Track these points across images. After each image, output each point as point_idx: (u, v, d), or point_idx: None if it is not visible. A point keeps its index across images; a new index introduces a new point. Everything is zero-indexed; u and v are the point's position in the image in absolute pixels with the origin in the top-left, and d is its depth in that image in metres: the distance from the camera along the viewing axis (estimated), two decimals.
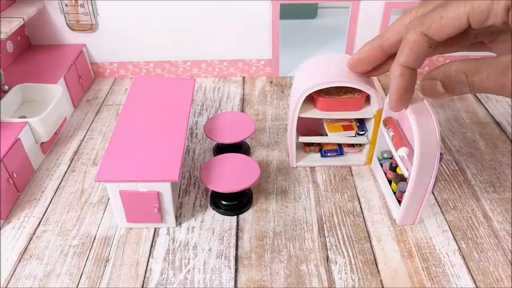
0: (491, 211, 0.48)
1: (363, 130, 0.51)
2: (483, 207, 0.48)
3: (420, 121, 0.40)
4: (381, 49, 0.41)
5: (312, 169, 0.54)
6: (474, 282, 0.40)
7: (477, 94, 0.68)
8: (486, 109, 0.64)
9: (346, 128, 0.51)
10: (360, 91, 0.48)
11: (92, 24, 0.69)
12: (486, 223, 0.46)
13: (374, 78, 0.73)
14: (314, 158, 0.54)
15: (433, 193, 0.50)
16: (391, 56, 0.41)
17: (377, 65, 0.43)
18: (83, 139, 0.60)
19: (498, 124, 0.61)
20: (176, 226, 0.47)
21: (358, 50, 0.44)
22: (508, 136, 0.59)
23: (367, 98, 0.49)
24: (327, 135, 0.51)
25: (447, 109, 0.65)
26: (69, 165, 0.55)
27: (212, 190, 0.49)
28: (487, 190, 0.50)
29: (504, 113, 0.64)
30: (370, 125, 0.51)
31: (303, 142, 0.54)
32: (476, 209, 0.48)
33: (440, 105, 0.65)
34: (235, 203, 0.48)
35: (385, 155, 0.51)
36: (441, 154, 0.41)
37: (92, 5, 0.67)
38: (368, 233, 0.45)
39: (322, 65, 0.49)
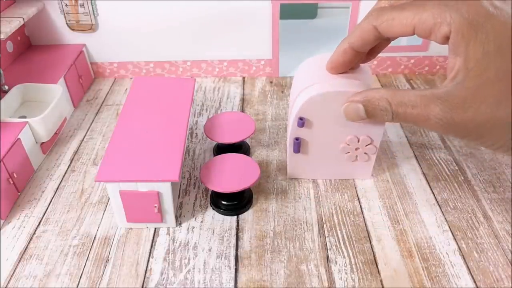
0: (491, 211, 0.48)
1: None
2: (483, 207, 0.48)
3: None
4: (351, 49, 0.41)
5: None
6: (474, 282, 0.40)
7: None
8: None
9: None
10: None
11: (92, 24, 0.69)
12: (486, 223, 0.46)
13: (375, 78, 0.73)
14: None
15: (433, 192, 0.50)
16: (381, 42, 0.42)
17: (370, 50, 0.43)
18: (83, 139, 0.60)
19: None
20: (176, 226, 0.47)
21: (333, 53, 0.44)
22: None
23: None
24: None
25: None
26: (69, 165, 0.55)
27: (212, 190, 0.49)
28: (487, 190, 0.50)
29: None
30: None
31: None
32: (476, 209, 0.48)
33: None
34: (235, 203, 0.48)
35: None
36: (301, 118, 0.45)
37: (92, 5, 0.67)
38: (368, 233, 0.45)
39: (322, 66, 0.49)
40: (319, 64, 0.49)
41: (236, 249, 0.44)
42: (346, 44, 0.41)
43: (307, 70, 0.49)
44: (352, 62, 0.43)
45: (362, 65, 0.48)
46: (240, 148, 0.56)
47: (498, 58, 0.31)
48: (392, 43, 0.70)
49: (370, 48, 0.42)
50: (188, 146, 0.58)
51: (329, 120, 0.46)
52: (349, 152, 0.49)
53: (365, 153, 0.49)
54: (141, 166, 0.44)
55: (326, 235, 0.45)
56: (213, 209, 0.48)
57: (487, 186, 0.51)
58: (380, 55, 0.72)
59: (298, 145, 0.48)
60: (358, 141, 0.48)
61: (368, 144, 0.48)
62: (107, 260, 0.43)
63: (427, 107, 0.34)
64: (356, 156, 0.49)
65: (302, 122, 0.46)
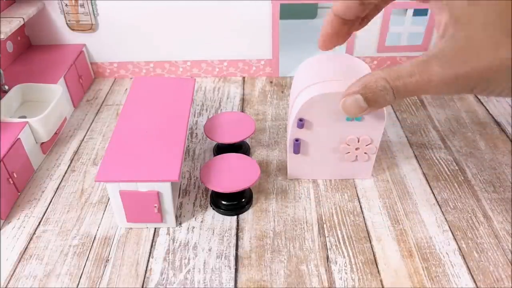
0: (491, 211, 0.48)
1: None
2: (483, 207, 0.48)
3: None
4: (337, 17, 0.40)
5: None
6: (474, 282, 0.40)
7: (478, 95, 0.68)
8: (486, 109, 0.64)
9: None
10: None
11: (92, 24, 0.69)
12: (486, 223, 0.46)
13: None
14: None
15: (433, 192, 0.50)
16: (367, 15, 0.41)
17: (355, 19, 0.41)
18: (83, 139, 0.60)
19: (498, 124, 0.61)
20: (176, 226, 0.47)
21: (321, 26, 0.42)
22: (508, 136, 0.59)
23: None
24: None
25: (447, 109, 0.65)
26: (69, 165, 0.55)
27: (212, 190, 0.49)
28: (487, 190, 0.50)
29: (504, 113, 0.63)
30: None
31: None
32: (476, 209, 0.48)
33: (440, 105, 0.65)
34: (235, 203, 0.48)
35: None
36: (301, 119, 0.45)
37: (92, 5, 0.67)
38: (368, 233, 0.45)
39: (322, 66, 0.49)
40: (319, 64, 0.49)
41: (236, 249, 0.44)
42: (331, 13, 0.40)
43: (307, 71, 0.49)
44: (341, 32, 0.41)
45: (362, 66, 0.48)
46: (240, 148, 0.56)
47: (485, 1, 0.29)
48: (393, 43, 0.71)
49: (362, 17, 0.40)
50: (188, 146, 0.58)
51: (329, 120, 0.46)
52: (349, 152, 0.49)
53: (365, 153, 0.49)
54: (141, 166, 0.44)
55: (326, 235, 0.45)
56: (213, 209, 0.48)
57: (487, 186, 0.51)
58: (380, 55, 0.72)
59: (298, 146, 0.48)
60: (358, 141, 0.48)
61: (368, 144, 0.48)
62: (107, 260, 0.43)
63: (426, 71, 0.32)
64: (356, 156, 0.49)
65: (301, 123, 0.46)
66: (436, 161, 0.55)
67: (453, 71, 0.31)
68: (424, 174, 0.53)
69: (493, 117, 0.63)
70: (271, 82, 0.73)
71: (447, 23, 0.31)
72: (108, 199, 0.50)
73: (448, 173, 0.53)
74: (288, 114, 0.54)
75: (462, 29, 0.31)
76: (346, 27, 0.41)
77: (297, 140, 0.48)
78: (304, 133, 0.48)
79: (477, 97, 0.67)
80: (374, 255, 0.43)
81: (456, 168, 0.54)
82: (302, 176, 0.52)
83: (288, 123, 0.50)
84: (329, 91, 0.44)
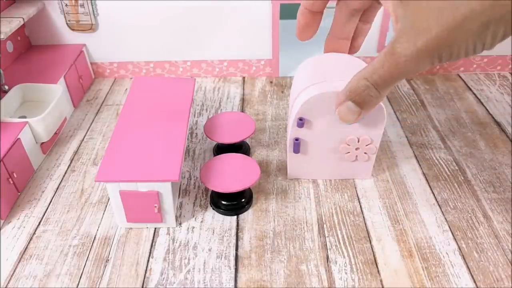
0: (491, 211, 0.48)
1: None
2: (483, 207, 0.48)
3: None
4: (308, 11, 0.45)
5: None
6: (474, 282, 0.40)
7: (477, 95, 0.68)
8: (486, 109, 0.64)
9: None
10: None
11: (92, 24, 0.69)
12: (486, 223, 0.46)
13: None
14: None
15: (433, 192, 0.50)
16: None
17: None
18: (83, 139, 0.60)
19: (498, 124, 0.61)
20: (176, 226, 0.47)
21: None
22: (508, 136, 0.59)
23: None
24: None
25: (447, 109, 0.65)
26: (69, 165, 0.55)
27: (212, 190, 0.49)
28: (487, 190, 0.50)
29: (504, 113, 0.63)
30: None
31: None
32: (476, 209, 0.48)
33: (440, 105, 0.65)
34: (235, 203, 0.48)
35: None
36: (301, 119, 0.46)
37: (92, 5, 0.67)
38: (368, 233, 0.45)
39: (322, 66, 0.49)
40: (319, 64, 0.49)
41: (236, 249, 0.44)
42: (301, 5, 0.45)
43: (307, 70, 0.49)
44: (312, 22, 0.46)
45: (362, 65, 0.48)
46: (240, 148, 0.56)
47: None
48: None
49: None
50: (188, 146, 0.58)
51: (329, 120, 0.46)
52: (349, 152, 0.49)
53: (365, 153, 0.49)
54: (141, 166, 0.44)
55: (326, 235, 0.45)
56: (213, 209, 0.48)
57: (487, 186, 0.51)
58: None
59: (298, 145, 0.48)
60: (358, 141, 0.48)
61: (368, 144, 0.48)
62: (107, 260, 0.43)
63: (392, 56, 0.33)
64: (356, 156, 0.49)
65: (301, 122, 0.46)
66: (436, 161, 0.55)
67: (413, 47, 0.31)
68: (424, 174, 0.53)
69: (493, 117, 0.63)
70: (271, 82, 0.73)
71: (395, 9, 0.32)
72: (108, 199, 0.50)
73: (448, 173, 0.53)
74: (288, 114, 0.54)
75: (408, 7, 0.32)
76: (317, 18, 0.45)
77: (297, 139, 0.48)
78: (304, 132, 0.48)
79: (477, 97, 0.67)
80: (374, 255, 0.43)
81: (456, 168, 0.54)
82: (302, 176, 0.52)
83: (288, 122, 0.50)
84: (329, 90, 0.44)
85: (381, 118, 0.46)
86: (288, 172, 0.52)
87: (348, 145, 0.48)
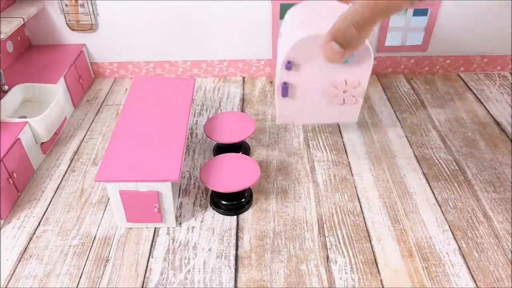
0: (491, 210, 0.48)
1: None
2: (483, 206, 0.48)
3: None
4: None
5: (312, 168, 0.54)
6: (474, 281, 0.40)
7: (478, 95, 0.68)
8: (487, 109, 0.64)
9: None
10: None
11: (92, 24, 0.69)
12: (486, 222, 0.46)
13: (374, 78, 0.73)
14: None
15: (433, 192, 0.50)
16: None
17: None
18: (83, 139, 0.60)
19: (498, 124, 0.61)
20: (176, 226, 0.47)
21: None
22: (508, 136, 0.59)
23: None
24: None
25: (447, 109, 0.65)
26: (69, 165, 0.55)
27: (212, 190, 0.49)
28: (487, 190, 0.50)
29: (504, 113, 0.63)
30: None
31: None
32: (476, 208, 0.48)
33: (440, 105, 0.65)
34: (235, 203, 0.48)
35: None
36: (289, 62, 0.45)
37: (92, 5, 0.67)
38: (368, 233, 0.45)
39: (310, 10, 0.49)
40: (308, 8, 0.50)
41: (236, 249, 0.44)
42: None
43: (296, 15, 0.49)
44: None
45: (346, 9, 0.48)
46: (240, 148, 0.56)
47: None
48: (392, 43, 0.71)
49: None
50: (188, 146, 0.58)
51: (317, 63, 0.46)
52: (337, 96, 0.49)
53: (352, 96, 0.49)
54: (141, 166, 0.44)
55: (326, 235, 0.45)
56: (213, 209, 0.48)
57: (487, 186, 0.51)
58: (380, 55, 0.72)
59: (286, 89, 0.49)
60: (346, 83, 0.48)
61: (356, 87, 0.48)
62: (107, 260, 0.43)
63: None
64: (344, 99, 0.49)
65: (290, 65, 0.47)
66: (436, 161, 0.55)
67: None
68: (424, 174, 0.53)
69: (493, 117, 0.63)
70: (271, 82, 0.73)
71: None
72: (108, 199, 0.50)
73: (448, 173, 0.53)
74: (276, 58, 0.54)
75: None
76: None
77: (285, 83, 0.48)
78: (292, 76, 0.48)
79: (477, 97, 0.67)
80: (374, 255, 0.43)
81: (456, 168, 0.54)
82: (290, 120, 0.52)
83: (277, 66, 0.50)
84: (316, 33, 0.44)
85: (368, 59, 0.46)
86: (277, 117, 0.51)
87: (336, 88, 0.49)
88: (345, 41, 0.40)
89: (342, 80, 0.48)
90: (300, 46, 0.45)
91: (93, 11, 0.67)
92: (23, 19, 0.62)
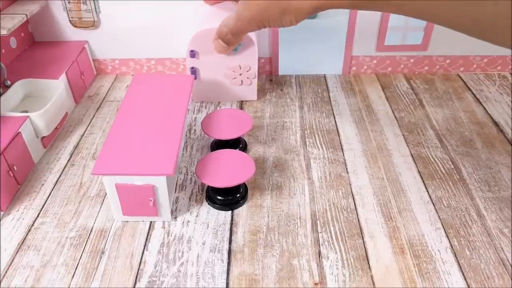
0: (485, 209, 0.48)
1: None
2: (477, 205, 0.48)
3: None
4: None
5: (308, 165, 0.54)
6: (465, 279, 0.41)
7: (477, 95, 0.68)
8: (485, 109, 0.64)
9: None
10: None
11: (94, 21, 0.70)
12: (479, 221, 0.46)
13: (374, 77, 0.73)
14: None
15: (427, 190, 0.50)
16: None
17: None
18: (83, 134, 0.61)
19: (496, 124, 0.61)
20: (172, 220, 0.47)
21: None
22: (506, 136, 0.59)
23: None
24: None
25: (445, 109, 0.65)
26: (69, 159, 0.56)
27: (208, 185, 0.50)
28: (482, 189, 0.50)
29: (503, 113, 0.63)
30: None
31: None
32: (470, 207, 0.48)
33: (439, 105, 0.66)
34: (230, 198, 0.48)
35: None
36: (192, 51, 0.60)
37: (94, 3, 0.68)
38: (361, 230, 0.46)
39: (207, 9, 0.65)
40: (207, 7, 0.64)
41: (229, 243, 0.45)
42: None
43: (206, 8, 0.64)
44: None
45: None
46: (237, 144, 0.56)
47: None
48: (392, 43, 0.71)
49: None
50: (186, 142, 0.59)
51: (213, 51, 0.58)
52: (235, 78, 0.63)
53: (247, 78, 0.63)
54: (137, 160, 0.44)
55: (319, 231, 0.46)
56: (208, 204, 0.49)
57: (482, 185, 0.51)
58: (379, 54, 0.73)
59: (195, 72, 0.63)
60: (240, 68, 0.62)
61: (248, 70, 0.62)
62: (103, 252, 0.44)
63: (239, 15, 0.49)
64: (242, 80, 0.63)
65: (193, 53, 0.60)
66: (432, 159, 0.55)
67: (247, 14, 0.47)
68: (419, 172, 0.53)
69: (491, 117, 0.63)
70: (270, 80, 0.73)
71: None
72: (106, 193, 0.50)
73: (444, 171, 0.53)
74: None
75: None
76: None
77: (192, 68, 0.62)
78: (197, 62, 0.62)
79: (476, 97, 0.67)
80: (366, 251, 0.43)
81: (452, 167, 0.54)
82: (205, 99, 0.66)
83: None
84: (207, 27, 0.58)
85: (253, 50, 0.60)
86: (195, 96, 0.65)
87: (234, 71, 0.62)
88: (225, 41, 0.54)
89: (236, 65, 0.62)
90: (197, 39, 0.60)
91: (95, 8, 0.68)
92: (26, 15, 0.63)
